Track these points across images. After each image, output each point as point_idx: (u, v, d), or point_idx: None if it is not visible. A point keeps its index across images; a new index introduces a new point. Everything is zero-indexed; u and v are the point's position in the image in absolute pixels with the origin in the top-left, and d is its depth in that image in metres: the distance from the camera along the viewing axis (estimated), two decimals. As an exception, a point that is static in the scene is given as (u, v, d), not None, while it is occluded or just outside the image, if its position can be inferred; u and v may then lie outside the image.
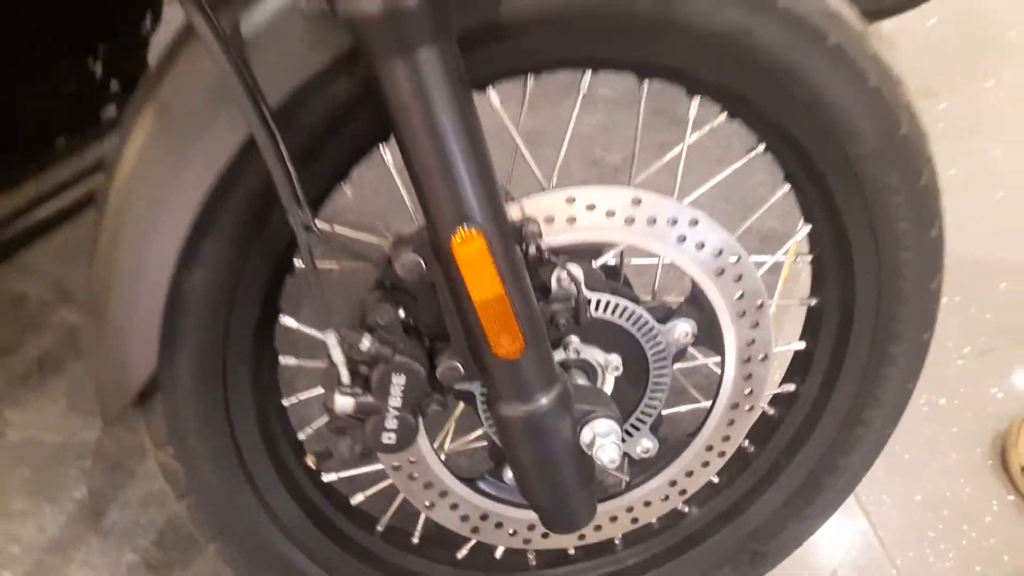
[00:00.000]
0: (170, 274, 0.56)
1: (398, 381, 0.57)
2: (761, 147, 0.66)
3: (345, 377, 0.57)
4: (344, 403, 0.57)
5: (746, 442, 0.80)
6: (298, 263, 0.64)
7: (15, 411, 1.00)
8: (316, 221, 0.53)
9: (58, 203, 0.98)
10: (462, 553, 0.79)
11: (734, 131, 0.65)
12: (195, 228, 0.55)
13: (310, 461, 0.72)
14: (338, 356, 0.56)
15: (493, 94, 0.60)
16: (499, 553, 0.79)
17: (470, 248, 0.51)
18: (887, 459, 1.12)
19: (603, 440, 0.59)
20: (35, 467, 0.96)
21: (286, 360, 0.68)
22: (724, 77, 0.60)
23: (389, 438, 0.59)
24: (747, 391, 0.69)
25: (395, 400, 0.57)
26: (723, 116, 0.65)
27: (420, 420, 0.60)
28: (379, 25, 0.45)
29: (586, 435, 0.60)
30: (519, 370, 0.56)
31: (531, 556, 0.81)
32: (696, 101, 0.63)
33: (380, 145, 0.60)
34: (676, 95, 0.63)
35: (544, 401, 0.57)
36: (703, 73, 0.60)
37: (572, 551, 0.81)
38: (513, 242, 0.53)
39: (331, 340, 0.56)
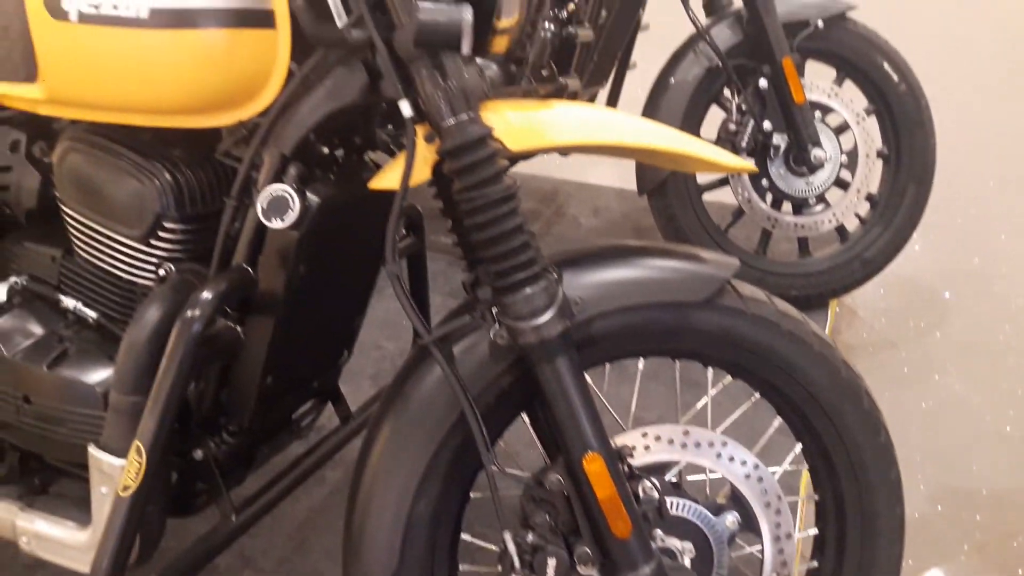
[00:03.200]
0: (409, 505, 0.90)
1: (551, 563, 0.88)
2: (757, 395, 1.03)
3: (517, 563, 0.88)
4: (518, 581, 0.87)
5: (793, 612, 1.06)
6: (473, 495, 0.98)
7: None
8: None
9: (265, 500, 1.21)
10: None
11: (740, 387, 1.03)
12: (423, 475, 0.91)
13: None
14: (512, 547, 0.88)
15: (585, 375, 0.99)
16: None
17: (594, 464, 0.86)
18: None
19: (688, 595, 0.89)
20: None
21: (464, 566, 0.99)
22: (724, 354, 0.98)
23: (549, 606, 0.88)
24: (782, 562, 0.99)
25: (550, 577, 0.88)
26: (728, 378, 1.03)
27: (566, 593, 0.90)
28: (537, 347, 0.85)
29: (677, 594, 0.89)
30: (630, 547, 0.87)
31: None
32: (710, 371, 1.02)
33: (522, 413, 0.98)
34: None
35: (647, 570, 0.88)
36: (710, 353, 0.98)
37: None
38: (616, 460, 0.88)
39: (507, 536, 0.88)
